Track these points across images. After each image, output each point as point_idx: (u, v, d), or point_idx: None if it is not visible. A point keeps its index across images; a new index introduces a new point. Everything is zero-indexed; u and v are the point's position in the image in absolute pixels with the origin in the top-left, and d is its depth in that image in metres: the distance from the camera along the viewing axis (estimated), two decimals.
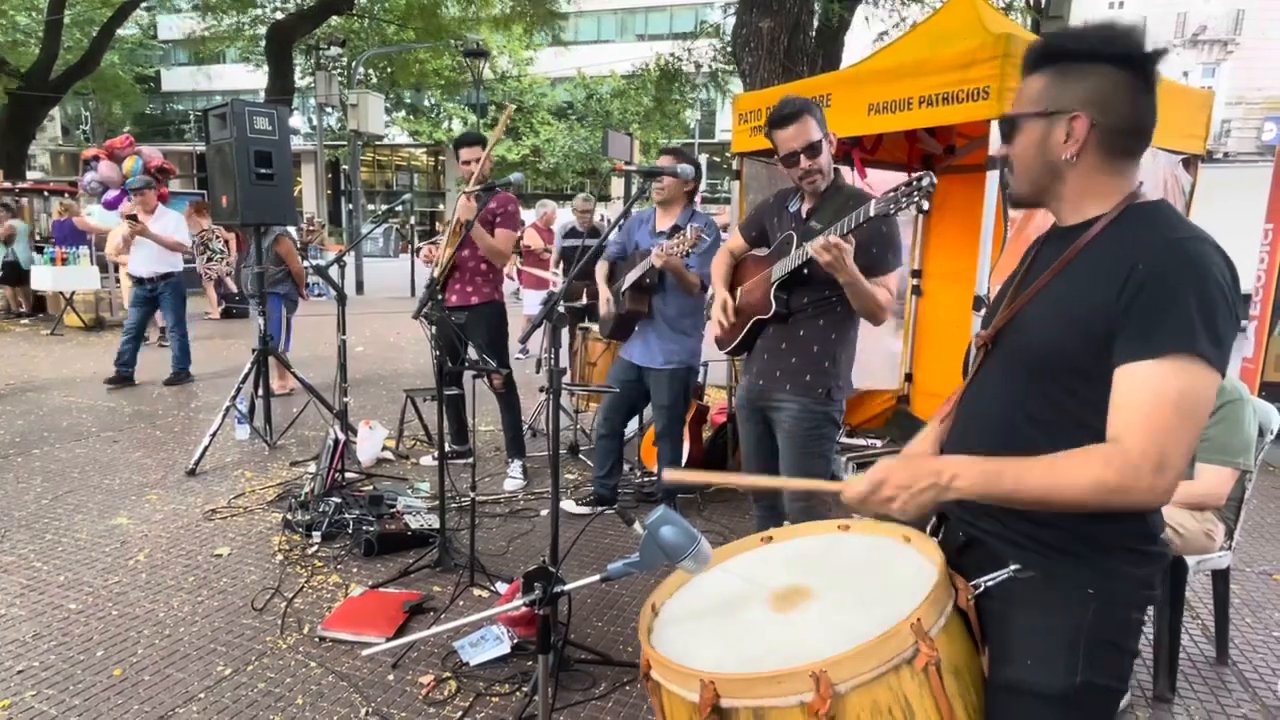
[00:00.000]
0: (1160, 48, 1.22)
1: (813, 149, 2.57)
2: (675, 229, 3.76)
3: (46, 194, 12.57)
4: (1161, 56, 1.22)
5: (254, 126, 4.67)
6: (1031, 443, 1.28)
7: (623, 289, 3.84)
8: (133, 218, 6.66)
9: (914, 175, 2.18)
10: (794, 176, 2.67)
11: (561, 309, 6.27)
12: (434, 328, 3.38)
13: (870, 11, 10.78)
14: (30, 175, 20.31)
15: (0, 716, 2.43)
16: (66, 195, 11.91)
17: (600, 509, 4.18)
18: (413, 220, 30.51)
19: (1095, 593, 1.24)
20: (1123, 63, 1.21)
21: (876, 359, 5.43)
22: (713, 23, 12.43)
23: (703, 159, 30.40)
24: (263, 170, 4.72)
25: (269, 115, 4.76)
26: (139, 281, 6.91)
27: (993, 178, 3.14)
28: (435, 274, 3.64)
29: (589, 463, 5.08)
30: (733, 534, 3.86)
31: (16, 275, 11.25)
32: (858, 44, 9.45)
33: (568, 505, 4.17)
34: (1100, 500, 1.14)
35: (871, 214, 2.28)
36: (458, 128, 32.54)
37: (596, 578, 1.57)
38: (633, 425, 4.72)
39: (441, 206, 32.78)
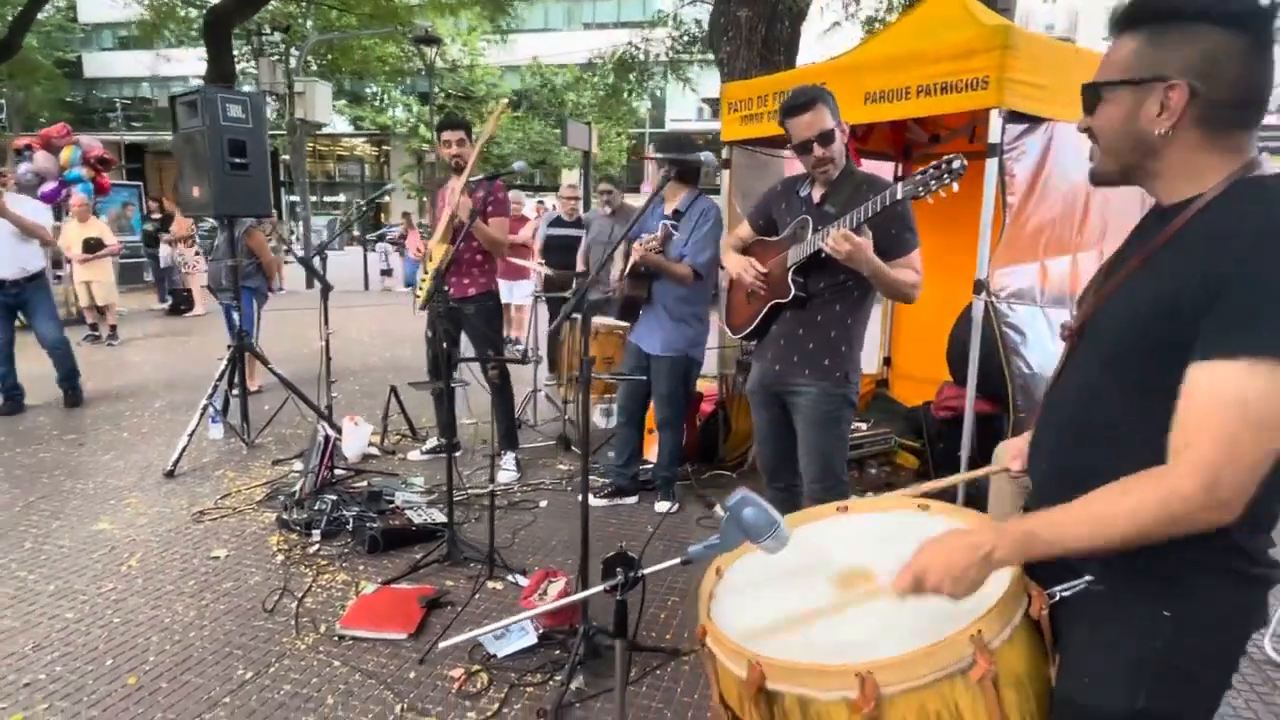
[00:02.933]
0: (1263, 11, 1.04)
1: (826, 137, 2.59)
2: (676, 214, 3.81)
3: None
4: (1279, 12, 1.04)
5: (227, 114, 4.50)
6: (1103, 442, 1.20)
7: (624, 273, 3.88)
8: None
9: (944, 158, 2.21)
10: (807, 165, 2.69)
11: (544, 297, 6.22)
12: (436, 319, 3.33)
13: (824, 2, 10.94)
14: None
15: None
16: None
17: (621, 499, 4.20)
18: (355, 209, 29.70)
19: (1172, 615, 1.13)
20: (1233, 22, 1.04)
21: None
22: (668, 12, 12.44)
23: (649, 148, 30.50)
24: (237, 160, 4.55)
25: (242, 102, 4.59)
26: None
27: (991, 165, 3.23)
28: (442, 266, 3.59)
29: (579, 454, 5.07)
30: None
31: None
32: (808, 35, 9.61)
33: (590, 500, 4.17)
34: (1165, 534, 1.04)
35: (899, 196, 2.33)
36: (401, 115, 31.78)
37: (677, 561, 1.58)
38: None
39: (387, 199, 31.99)
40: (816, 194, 2.75)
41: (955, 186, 2.22)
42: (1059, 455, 1.30)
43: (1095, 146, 1.22)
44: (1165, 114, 1.09)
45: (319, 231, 26.02)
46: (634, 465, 4.23)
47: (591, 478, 4.45)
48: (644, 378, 3.88)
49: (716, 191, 4.74)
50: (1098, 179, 1.26)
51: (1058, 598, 1.23)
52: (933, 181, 2.24)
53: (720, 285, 4.61)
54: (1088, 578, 1.19)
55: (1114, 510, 1.05)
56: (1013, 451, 1.56)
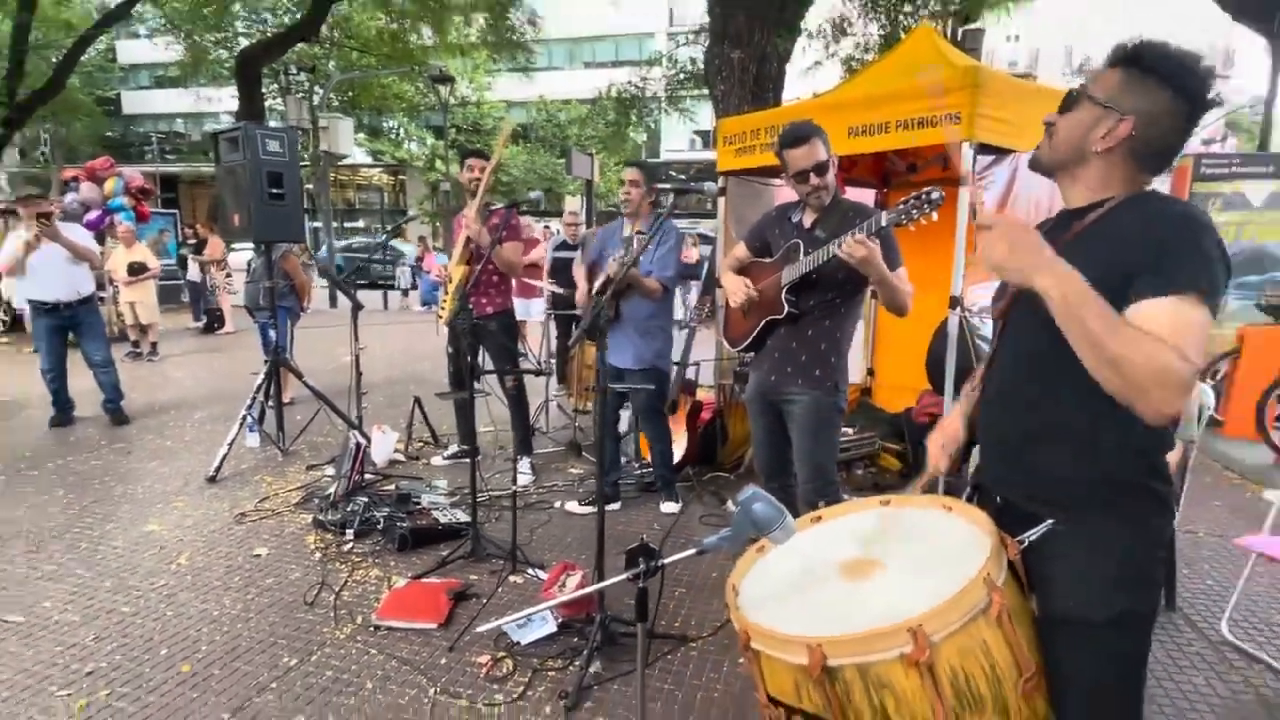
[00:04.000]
0: (1216, 97, 1.26)
1: (820, 168, 2.66)
2: (640, 235, 3.76)
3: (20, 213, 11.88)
4: (1215, 105, 1.26)
5: (266, 149, 4.57)
6: (1043, 388, 1.36)
7: (591, 292, 3.86)
8: (45, 216, 5.25)
9: (924, 190, 2.26)
10: (802, 192, 2.74)
11: (554, 314, 6.24)
12: (460, 334, 3.37)
13: (805, 43, 11.08)
14: None
15: (78, 717, 2.35)
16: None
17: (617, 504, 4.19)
18: (377, 237, 29.75)
19: (1124, 535, 1.33)
20: (1186, 96, 1.25)
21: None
22: (664, 53, 12.60)
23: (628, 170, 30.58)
24: (274, 190, 4.62)
25: (280, 138, 4.66)
26: (50, 309, 5.45)
27: (964, 192, 3.31)
28: (465, 287, 3.65)
29: (590, 459, 5.11)
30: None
31: None
32: (791, 73, 9.71)
33: (570, 506, 4.18)
34: (1150, 381, 1.13)
35: (884, 224, 2.38)
36: (416, 149, 31.94)
37: (693, 551, 1.62)
38: (626, 421, 4.77)
39: (404, 225, 32.09)
40: (808, 220, 2.79)
41: (934, 216, 2.26)
42: (1007, 407, 1.47)
43: (1046, 139, 1.39)
44: (1108, 137, 1.30)
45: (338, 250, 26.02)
46: (613, 473, 4.19)
47: (589, 484, 4.52)
48: (653, 386, 3.89)
49: (712, 215, 4.81)
50: (1038, 164, 1.44)
51: (1027, 543, 1.38)
52: (914, 211, 2.28)
53: (717, 303, 4.67)
54: (1050, 521, 1.36)
55: (1135, 337, 1.15)
56: (935, 447, 1.70)
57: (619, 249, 3.84)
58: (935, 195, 2.26)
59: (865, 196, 4.94)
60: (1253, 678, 2.64)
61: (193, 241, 12.71)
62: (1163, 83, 1.26)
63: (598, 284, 3.85)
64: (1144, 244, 1.23)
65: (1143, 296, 1.19)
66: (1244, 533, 3.28)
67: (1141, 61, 1.28)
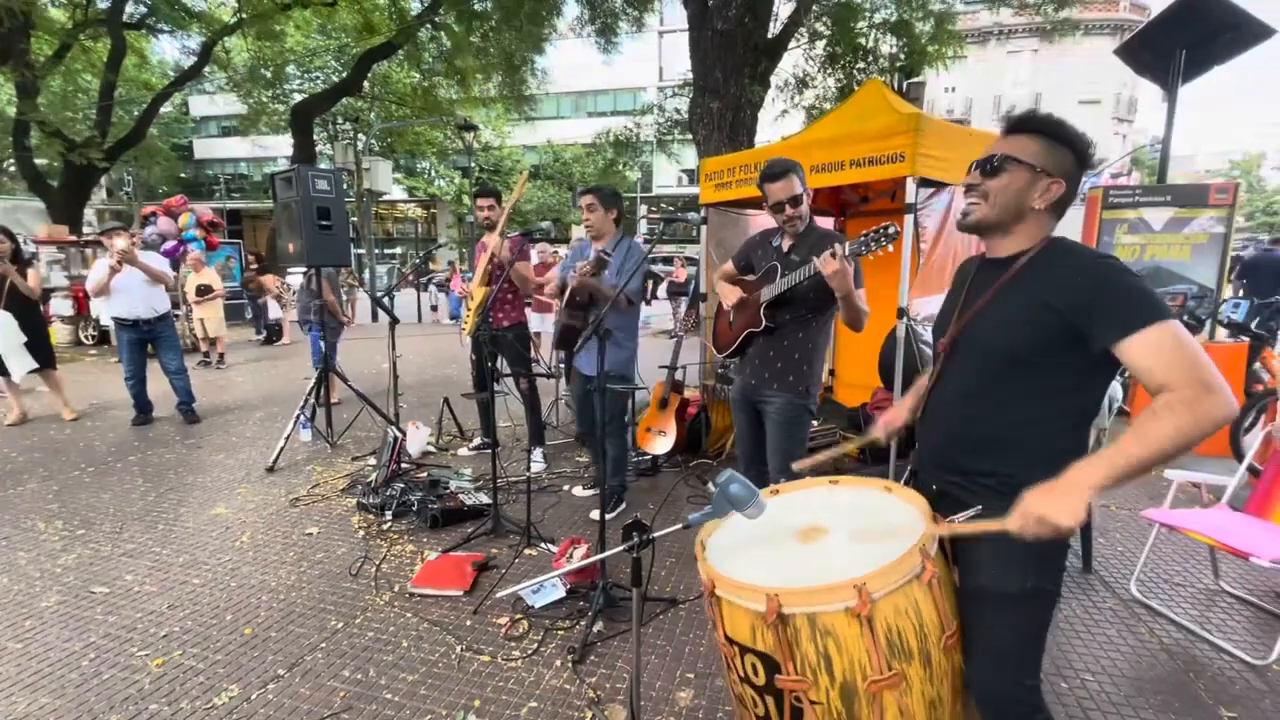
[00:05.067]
0: (1093, 157, 1.33)
1: (796, 200, 2.61)
2: (605, 253, 3.51)
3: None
4: (1092, 168, 1.35)
5: (316, 187, 4.56)
6: (981, 415, 1.37)
7: (561, 305, 3.60)
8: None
9: (883, 226, 2.20)
10: (779, 220, 2.68)
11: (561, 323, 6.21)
12: (481, 343, 3.35)
13: (774, 94, 11.09)
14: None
15: (155, 673, 2.33)
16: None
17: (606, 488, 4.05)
18: (414, 261, 29.73)
19: None
20: (1085, 161, 1.33)
21: None
22: (654, 103, 12.62)
23: (642, 208, 30.70)
24: (323, 222, 4.60)
25: (327, 177, 4.64)
26: (132, 325, 5.42)
27: (908, 219, 3.32)
28: (488, 303, 3.63)
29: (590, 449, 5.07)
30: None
31: None
32: (762, 120, 9.71)
33: (577, 490, 4.11)
34: (1191, 435, 1.11)
35: (847, 253, 2.37)
36: (445, 186, 31.97)
37: (679, 525, 1.61)
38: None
39: (435, 251, 32.02)
40: (785, 244, 2.73)
41: (891, 248, 2.19)
42: (949, 428, 1.47)
43: (977, 201, 1.37)
44: (1046, 197, 1.32)
45: (381, 277, 25.98)
46: (620, 475, 3.88)
47: (591, 471, 4.48)
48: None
49: (696, 241, 4.80)
50: (974, 226, 1.41)
51: (957, 524, 1.38)
52: (873, 243, 2.20)
53: (702, 315, 4.67)
54: (978, 507, 1.37)
55: (1158, 431, 1.13)
56: (880, 425, 1.71)
57: (582, 261, 3.55)
58: (892, 230, 2.20)
59: (825, 224, 4.94)
60: (1157, 629, 2.65)
61: (254, 267, 12.66)
62: (1070, 149, 1.31)
63: (566, 294, 3.50)
64: (1071, 296, 1.24)
65: (1115, 340, 1.21)
66: (1148, 506, 3.28)
67: (1047, 130, 1.31)
